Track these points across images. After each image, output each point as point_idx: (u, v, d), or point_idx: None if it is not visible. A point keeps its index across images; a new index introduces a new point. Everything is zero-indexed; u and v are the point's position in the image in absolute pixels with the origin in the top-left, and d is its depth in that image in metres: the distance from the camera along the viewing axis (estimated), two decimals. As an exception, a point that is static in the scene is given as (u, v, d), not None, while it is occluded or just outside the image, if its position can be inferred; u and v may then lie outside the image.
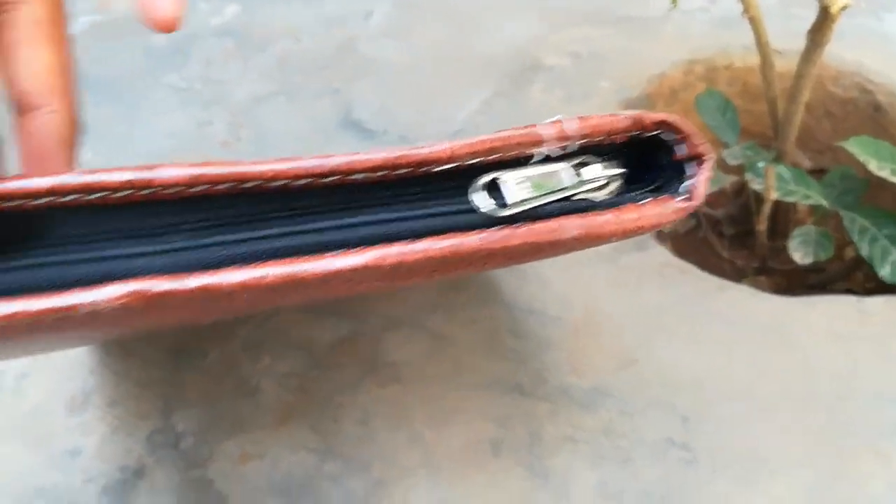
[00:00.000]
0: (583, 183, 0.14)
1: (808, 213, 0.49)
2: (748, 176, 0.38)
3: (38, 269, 0.13)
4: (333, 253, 0.13)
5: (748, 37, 0.41)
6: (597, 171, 0.14)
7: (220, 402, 0.32)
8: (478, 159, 0.14)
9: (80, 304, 0.12)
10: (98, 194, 0.13)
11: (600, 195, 0.14)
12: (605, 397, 0.32)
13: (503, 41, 0.51)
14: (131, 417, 0.32)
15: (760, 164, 0.38)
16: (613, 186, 0.14)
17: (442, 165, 0.13)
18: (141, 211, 0.13)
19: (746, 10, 0.35)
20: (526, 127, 0.14)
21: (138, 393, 0.32)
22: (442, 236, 0.13)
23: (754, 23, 0.35)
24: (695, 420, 0.31)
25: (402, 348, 0.34)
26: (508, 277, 0.36)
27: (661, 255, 0.38)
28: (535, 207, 0.13)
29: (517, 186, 0.14)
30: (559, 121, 0.14)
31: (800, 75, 0.36)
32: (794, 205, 0.43)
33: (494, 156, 0.14)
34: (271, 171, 0.13)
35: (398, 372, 0.33)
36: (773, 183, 0.36)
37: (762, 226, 0.40)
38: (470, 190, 0.14)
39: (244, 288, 0.12)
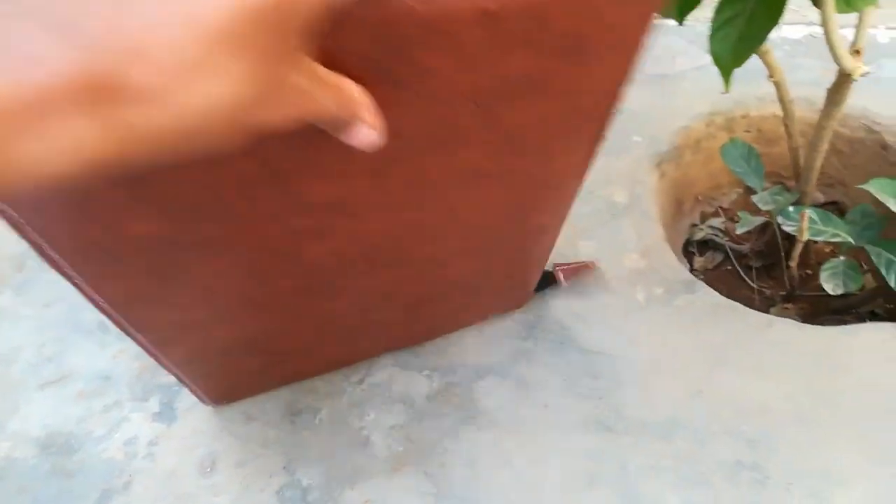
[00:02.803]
0: None
1: (824, 244, 0.53)
2: (779, 220, 0.43)
3: None
4: None
5: (760, 87, 0.44)
6: None
7: (337, 455, 0.35)
8: None
9: None
10: None
11: None
12: (678, 427, 0.36)
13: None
14: (259, 476, 0.35)
15: (791, 210, 0.42)
16: None
17: None
18: None
19: (771, 74, 0.40)
20: None
21: (262, 453, 0.36)
22: None
23: (778, 86, 0.40)
24: (763, 443, 0.35)
25: (493, 395, 0.37)
26: (577, 325, 0.40)
27: (710, 295, 0.42)
28: None
29: None
30: None
31: (820, 128, 0.41)
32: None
33: None
34: None
35: (494, 417, 0.36)
36: (807, 226, 0.40)
37: (794, 262, 0.44)
38: None
39: None
